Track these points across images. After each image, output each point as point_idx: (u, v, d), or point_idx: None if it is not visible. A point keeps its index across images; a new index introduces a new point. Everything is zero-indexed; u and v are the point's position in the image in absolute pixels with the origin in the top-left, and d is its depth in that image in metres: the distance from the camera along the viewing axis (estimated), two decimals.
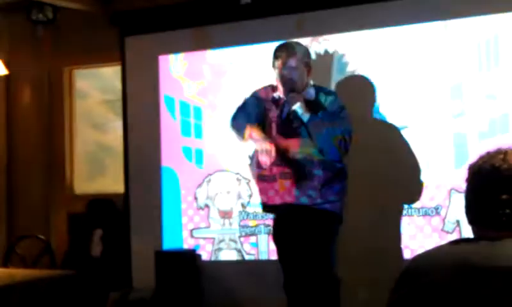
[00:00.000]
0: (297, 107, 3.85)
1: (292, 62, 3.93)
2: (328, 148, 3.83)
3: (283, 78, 3.94)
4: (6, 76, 6.47)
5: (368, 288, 4.74)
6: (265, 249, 5.33)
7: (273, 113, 4.01)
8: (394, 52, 5.07)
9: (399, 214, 4.94)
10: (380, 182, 4.96)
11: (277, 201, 3.95)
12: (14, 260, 5.77)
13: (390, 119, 5.01)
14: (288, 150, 3.90)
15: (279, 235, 4.04)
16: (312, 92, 4.00)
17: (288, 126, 3.91)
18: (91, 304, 5.61)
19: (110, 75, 6.61)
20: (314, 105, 3.92)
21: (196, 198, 5.64)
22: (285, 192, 3.89)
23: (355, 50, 5.17)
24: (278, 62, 3.97)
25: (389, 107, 5.03)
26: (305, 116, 3.83)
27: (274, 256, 4.45)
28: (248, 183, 5.37)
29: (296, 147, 3.89)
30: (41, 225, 6.44)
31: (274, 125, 3.99)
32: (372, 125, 5.00)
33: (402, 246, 4.91)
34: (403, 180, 4.96)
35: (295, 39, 4.71)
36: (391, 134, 5.00)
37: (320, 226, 3.87)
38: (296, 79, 3.93)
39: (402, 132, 4.96)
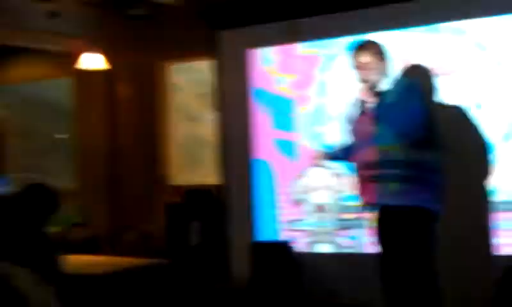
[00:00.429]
0: (365, 98, 3.93)
1: (364, 59, 3.98)
2: (404, 134, 3.86)
3: (358, 76, 4.01)
4: (106, 71, 6.74)
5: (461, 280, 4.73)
6: (362, 242, 5.36)
7: (357, 114, 4.09)
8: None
9: (482, 200, 4.89)
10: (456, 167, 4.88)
11: (371, 200, 4.02)
12: (117, 249, 6.04)
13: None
14: (372, 153, 3.95)
15: (377, 233, 4.10)
16: (386, 83, 4.01)
17: (366, 122, 3.98)
18: (188, 293, 5.82)
19: (204, 68, 6.77)
20: (385, 94, 3.94)
21: (291, 191, 5.73)
22: (377, 192, 3.95)
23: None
24: (353, 61, 4.04)
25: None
26: (372, 105, 3.90)
27: (370, 250, 4.49)
28: (343, 177, 5.40)
29: (377, 148, 3.94)
30: (142, 215, 6.70)
31: (358, 125, 4.07)
32: (441, 109, 4.92)
33: (496, 240, 4.86)
34: (476, 160, 4.91)
35: (387, 31, 4.73)
36: (458, 115, 4.96)
37: (412, 224, 3.91)
38: (369, 75, 3.97)
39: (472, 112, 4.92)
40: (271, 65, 5.90)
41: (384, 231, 4.01)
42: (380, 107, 3.90)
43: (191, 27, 6.47)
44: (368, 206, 4.08)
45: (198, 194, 6.38)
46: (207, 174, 6.60)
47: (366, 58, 3.97)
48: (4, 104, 8.89)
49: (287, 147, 5.80)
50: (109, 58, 6.65)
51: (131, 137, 7.05)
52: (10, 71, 7.99)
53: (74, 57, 6.77)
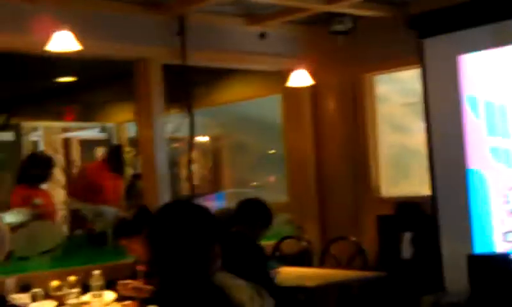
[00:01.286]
0: None
1: None
2: None
3: None
4: (312, 86, 6.89)
5: None
6: None
7: None
8: None
9: None
10: None
11: None
12: (328, 261, 6.11)
13: None
14: None
15: None
16: None
17: None
18: (401, 305, 5.72)
19: (409, 78, 6.67)
20: None
21: (508, 201, 5.45)
22: None
23: None
24: None
25: None
26: None
27: None
28: None
29: None
30: (352, 226, 6.73)
31: None
32: None
33: None
34: None
35: None
36: None
37: None
38: None
39: None
40: (482, 70, 5.66)
41: None
42: None
43: (395, 37, 6.41)
44: None
45: (409, 206, 6.27)
46: (417, 185, 6.47)
47: None
48: (220, 123, 9.43)
49: (502, 155, 5.51)
50: (315, 73, 6.78)
51: (338, 149, 7.12)
52: (224, 92, 8.45)
53: (282, 75, 6.99)
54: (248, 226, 4.67)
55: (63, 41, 4.93)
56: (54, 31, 4.97)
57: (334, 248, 6.18)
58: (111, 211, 5.71)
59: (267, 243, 5.51)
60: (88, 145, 9.18)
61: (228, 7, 6.33)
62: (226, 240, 2.48)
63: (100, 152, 9.11)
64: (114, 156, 6.90)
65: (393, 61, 6.63)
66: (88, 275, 4.57)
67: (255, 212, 4.71)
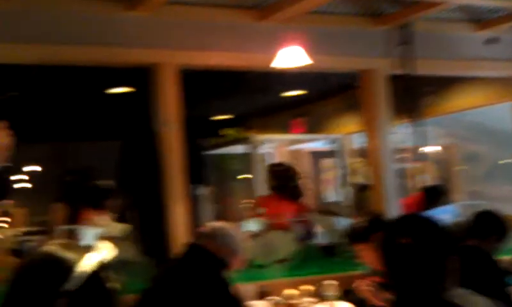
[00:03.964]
0: None
1: None
2: None
3: None
4: None
5: None
6: None
7: None
8: None
9: None
10: None
11: None
12: None
13: None
14: None
15: None
16: None
17: None
18: None
19: None
20: None
21: None
22: None
23: None
24: None
25: None
26: None
27: None
28: None
29: None
30: None
31: None
32: None
33: None
34: None
35: None
36: None
37: None
38: None
39: None
40: None
41: None
42: None
43: None
44: None
45: None
46: None
47: None
48: (449, 132, 9.16)
49: None
50: None
51: None
52: (453, 100, 8.20)
53: None
54: (482, 240, 4.48)
55: (293, 57, 5.11)
56: (284, 48, 5.16)
57: None
58: (345, 221, 5.77)
59: (503, 258, 5.22)
60: (316, 156, 9.40)
61: (454, 13, 6.15)
62: (460, 255, 2.41)
63: (326, 164, 9.26)
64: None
65: None
66: (321, 284, 4.67)
67: (490, 225, 4.51)
